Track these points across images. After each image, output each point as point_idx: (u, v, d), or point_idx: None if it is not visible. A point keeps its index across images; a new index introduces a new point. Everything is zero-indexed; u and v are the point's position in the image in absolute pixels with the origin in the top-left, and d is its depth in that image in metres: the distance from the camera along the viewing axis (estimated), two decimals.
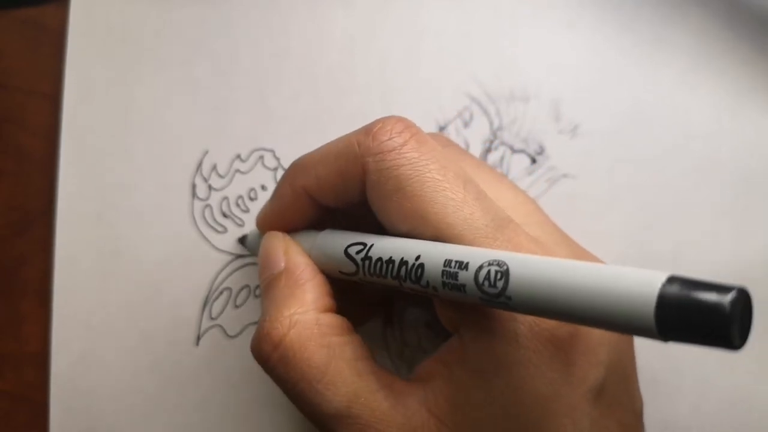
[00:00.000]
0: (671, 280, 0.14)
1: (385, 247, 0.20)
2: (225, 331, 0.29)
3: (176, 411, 0.28)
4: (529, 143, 0.30)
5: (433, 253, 0.19)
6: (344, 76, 0.30)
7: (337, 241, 0.22)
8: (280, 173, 0.29)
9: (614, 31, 0.30)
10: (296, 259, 0.23)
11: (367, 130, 0.22)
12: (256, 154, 0.30)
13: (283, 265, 0.23)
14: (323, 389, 0.21)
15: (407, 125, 0.21)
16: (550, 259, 0.17)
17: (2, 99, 0.30)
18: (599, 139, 0.30)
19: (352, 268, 0.21)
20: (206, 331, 0.29)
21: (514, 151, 0.30)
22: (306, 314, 0.21)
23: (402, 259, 0.20)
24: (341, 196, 0.23)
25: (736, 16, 0.30)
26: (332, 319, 0.22)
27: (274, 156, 0.30)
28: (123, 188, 0.29)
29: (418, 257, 0.19)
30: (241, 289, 0.29)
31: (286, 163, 0.29)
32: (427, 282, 0.19)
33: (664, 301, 0.14)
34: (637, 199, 0.29)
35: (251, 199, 0.29)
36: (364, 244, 0.21)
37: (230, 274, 0.29)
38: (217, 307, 0.29)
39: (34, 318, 0.29)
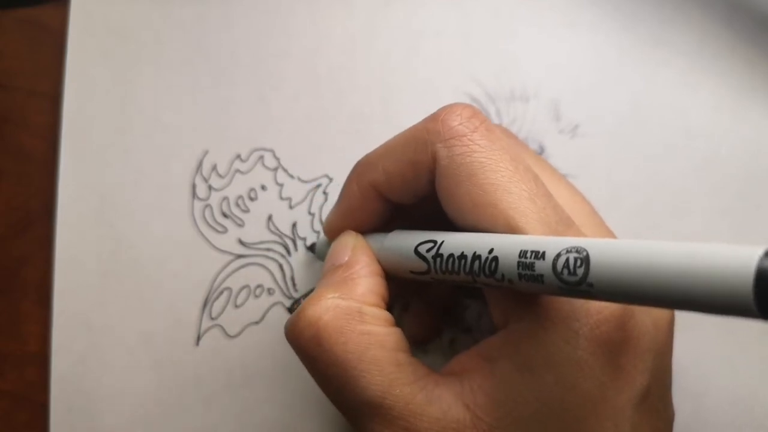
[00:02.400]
0: None
1: (457, 242, 0.20)
2: (225, 331, 0.29)
3: (176, 411, 0.28)
4: (530, 143, 0.30)
5: (506, 245, 0.18)
6: (344, 76, 0.30)
7: (406, 241, 0.22)
8: (280, 173, 0.29)
9: (614, 31, 0.30)
10: (359, 256, 0.23)
11: (435, 117, 0.21)
12: (256, 154, 0.30)
13: (346, 259, 0.23)
14: (358, 376, 0.20)
15: (475, 112, 0.21)
16: (632, 242, 0.16)
17: (2, 99, 0.30)
18: (599, 139, 0.30)
19: (423, 266, 0.21)
20: (206, 331, 0.29)
21: None
22: (348, 301, 0.21)
23: (475, 253, 0.19)
24: (410, 188, 0.22)
25: (736, 16, 0.30)
26: (375, 311, 0.21)
27: (274, 156, 0.30)
28: (123, 188, 0.29)
29: (491, 250, 0.18)
30: (241, 289, 0.29)
31: (286, 163, 0.30)
32: (502, 275, 0.18)
33: (762, 276, 0.13)
34: (637, 199, 0.29)
35: (251, 199, 0.29)
36: (435, 242, 0.20)
37: (230, 274, 0.29)
38: (217, 307, 0.29)
39: (34, 318, 0.29)
